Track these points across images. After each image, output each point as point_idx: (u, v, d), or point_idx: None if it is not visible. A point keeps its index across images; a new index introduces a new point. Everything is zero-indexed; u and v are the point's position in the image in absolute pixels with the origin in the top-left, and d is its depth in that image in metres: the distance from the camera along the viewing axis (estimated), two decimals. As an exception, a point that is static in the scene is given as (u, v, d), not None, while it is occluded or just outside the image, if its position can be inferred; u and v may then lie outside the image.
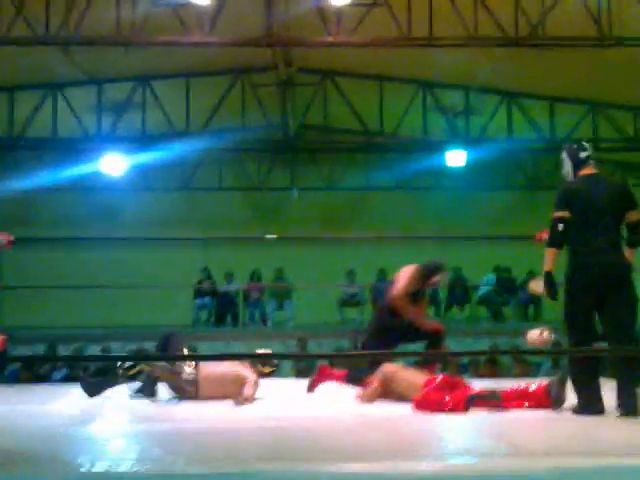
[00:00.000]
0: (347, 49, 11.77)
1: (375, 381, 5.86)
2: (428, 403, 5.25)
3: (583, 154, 5.55)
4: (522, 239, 8.48)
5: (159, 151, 15.42)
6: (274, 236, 11.03)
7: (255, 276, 16.32)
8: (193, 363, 5.88)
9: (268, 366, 6.27)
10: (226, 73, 14.53)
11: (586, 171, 5.52)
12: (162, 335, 6.11)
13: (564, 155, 5.67)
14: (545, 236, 6.18)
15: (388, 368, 5.90)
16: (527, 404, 5.26)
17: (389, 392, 5.83)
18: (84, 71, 13.52)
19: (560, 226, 5.29)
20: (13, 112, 14.55)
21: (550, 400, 5.16)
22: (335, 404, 5.85)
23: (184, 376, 5.77)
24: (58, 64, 12.79)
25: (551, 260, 5.28)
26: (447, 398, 5.22)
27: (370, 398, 5.79)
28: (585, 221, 5.28)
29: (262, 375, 6.14)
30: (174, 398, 5.82)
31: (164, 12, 10.41)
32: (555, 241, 5.31)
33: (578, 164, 5.55)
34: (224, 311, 16.16)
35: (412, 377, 5.71)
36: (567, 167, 5.65)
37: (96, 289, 14.01)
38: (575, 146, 5.60)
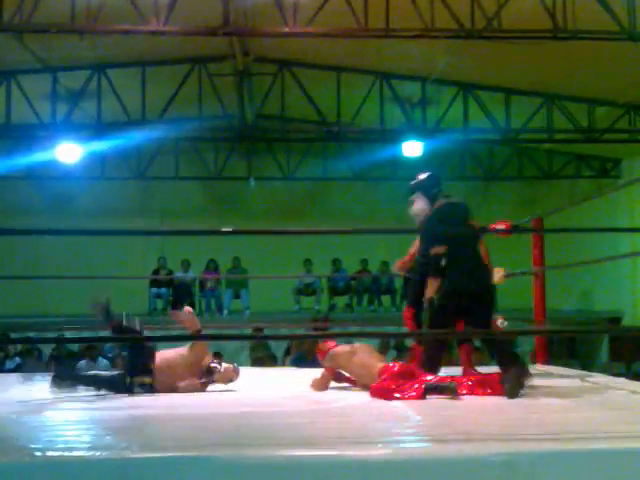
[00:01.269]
0: (304, 39, 11.79)
1: (326, 369, 5.89)
2: (384, 391, 5.29)
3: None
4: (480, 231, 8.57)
5: (115, 140, 15.33)
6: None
7: (211, 265, 16.33)
8: None
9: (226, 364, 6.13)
10: (183, 62, 14.46)
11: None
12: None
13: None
14: (498, 226, 6.28)
15: (340, 353, 5.89)
16: (482, 393, 5.30)
17: (346, 373, 5.86)
18: (38, 59, 13.37)
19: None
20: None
21: (504, 390, 5.21)
22: (291, 391, 5.88)
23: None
24: (12, 51, 12.64)
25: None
26: (403, 387, 5.25)
27: (320, 386, 5.81)
28: None
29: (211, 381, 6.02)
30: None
31: (120, 0, 10.34)
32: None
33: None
34: (180, 300, 16.14)
35: (367, 362, 5.71)
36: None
37: (50, 278, 13.88)
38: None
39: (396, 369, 5.48)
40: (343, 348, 5.94)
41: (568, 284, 16.39)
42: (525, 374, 5.36)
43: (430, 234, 5.81)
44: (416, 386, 5.19)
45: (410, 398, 5.12)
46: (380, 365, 5.61)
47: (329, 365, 5.88)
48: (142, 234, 5.00)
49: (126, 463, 3.25)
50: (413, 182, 6.37)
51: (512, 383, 5.19)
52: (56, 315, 15.29)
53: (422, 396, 5.13)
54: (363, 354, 5.80)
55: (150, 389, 5.65)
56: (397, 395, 5.18)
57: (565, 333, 13.50)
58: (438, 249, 5.66)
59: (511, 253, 11.50)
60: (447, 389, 5.11)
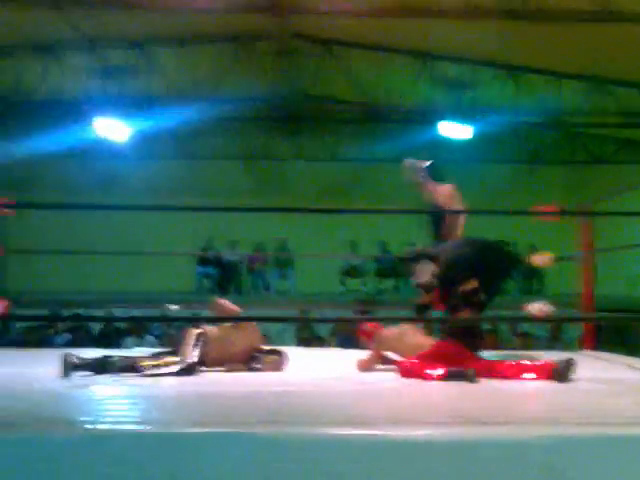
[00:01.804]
0: (350, 19, 11.75)
1: (373, 350, 5.90)
2: (411, 371, 5.33)
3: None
4: (523, 213, 8.55)
5: (160, 118, 15.40)
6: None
7: (259, 245, 16.41)
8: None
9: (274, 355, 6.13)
10: (230, 41, 14.49)
11: None
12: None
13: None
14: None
15: (390, 335, 5.90)
16: (529, 377, 5.27)
17: (394, 356, 5.87)
18: (85, 34, 13.46)
19: None
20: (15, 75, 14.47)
21: (554, 378, 5.18)
22: (335, 372, 5.91)
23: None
24: (60, 27, 12.74)
25: None
26: (430, 368, 5.27)
27: (366, 368, 5.83)
28: None
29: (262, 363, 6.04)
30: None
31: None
32: None
33: None
34: (227, 279, 16.26)
35: (419, 342, 5.69)
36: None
37: (99, 255, 14.07)
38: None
39: (445, 348, 5.48)
40: (391, 330, 5.95)
41: (615, 270, 16.20)
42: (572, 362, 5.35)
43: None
44: (441, 371, 5.20)
45: (432, 379, 5.16)
46: (431, 343, 5.60)
47: (378, 346, 5.89)
48: (190, 210, 5.09)
49: (172, 437, 3.31)
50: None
51: (564, 368, 5.17)
52: (105, 292, 15.50)
53: (444, 379, 5.14)
54: (412, 335, 5.81)
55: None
56: (422, 374, 5.22)
57: (607, 321, 13.36)
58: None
59: (555, 240, 11.42)
60: (467, 377, 5.11)
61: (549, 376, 5.18)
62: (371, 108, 15.96)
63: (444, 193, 6.71)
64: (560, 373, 5.15)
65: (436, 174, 6.73)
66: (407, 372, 5.39)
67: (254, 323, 6.20)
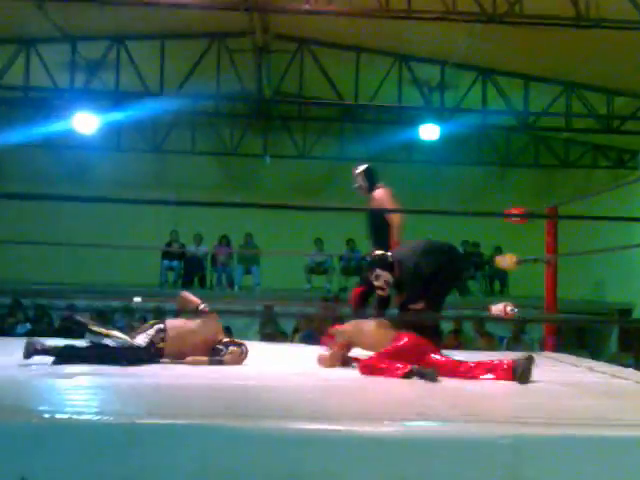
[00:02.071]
0: (325, 18, 11.76)
1: (336, 345, 5.91)
2: (371, 368, 5.36)
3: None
4: (492, 216, 8.62)
5: (132, 112, 15.32)
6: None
7: (224, 240, 16.37)
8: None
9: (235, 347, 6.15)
10: (202, 37, 14.44)
11: None
12: None
13: None
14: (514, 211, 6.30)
15: (349, 327, 5.91)
16: (489, 377, 5.31)
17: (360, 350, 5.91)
18: (59, 28, 13.37)
19: None
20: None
21: (514, 377, 5.22)
22: (298, 367, 5.92)
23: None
24: (33, 20, 12.65)
25: None
26: (390, 366, 5.29)
27: (328, 363, 5.83)
28: None
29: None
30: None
31: (142, -29, 10.33)
32: None
33: None
34: (192, 273, 16.21)
35: (380, 331, 5.71)
36: None
37: (64, 246, 13.95)
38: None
39: (405, 341, 5.49)
40: (351, 324, 5.97)
41: (581, 274, 16.35)
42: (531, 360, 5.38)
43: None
44: (402, 369, 5.22)
45: (392, 377, 5.17)
46: (392, 333, 5.61)
47: (340, 341, 5.90)
48: (156, 204, 5.01)
49: (133, 428, 3.30)
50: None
51: (524, 369, 5.21)
52: (69, 283, 15.39)
53: (404, 377, 5.17)
54: (373, 325, 5.82)
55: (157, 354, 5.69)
56: (382, 371, 5.24)
57: (571, 322, 13.48)
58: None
59: (523, 241, 11.51)
60: (428, 375, 5.13)
61: (509, 376, 5.22)
62: (344, 107, 15.97)
63: (379, 196, 6.87)
64: (520, 373, 5.20)
65: (371, 178, 6.90)
66: (367, 369, 5.41)
67: (215, 315, 6.21)
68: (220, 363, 5.80)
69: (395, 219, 6.81)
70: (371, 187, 6.95)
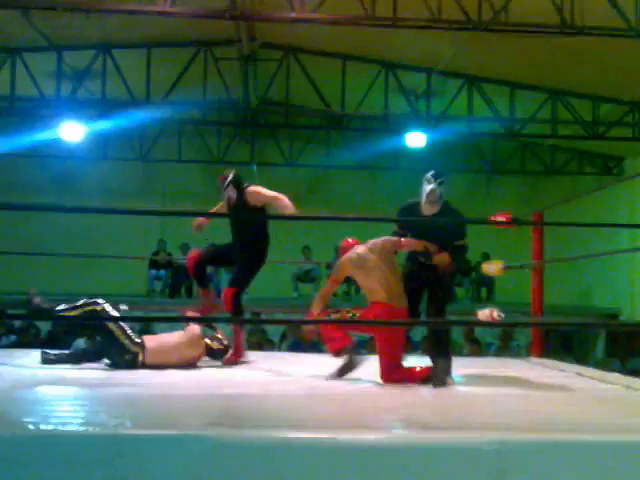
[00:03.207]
0: (311, 26, 11.76)
1: (329, 280, 5.94)
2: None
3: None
4: (478, 222, 8.64)
5: (118, 120, 15.28)
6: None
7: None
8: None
9: (217, 342, 6.36)
10: (188, 45, 14.42)
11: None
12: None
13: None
14: (498, 218, 6.31)
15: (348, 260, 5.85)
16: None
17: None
18: (44, 36, 13.33)
19: None
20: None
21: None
22: (285, 375, 5.91)
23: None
24: (18, 28, 12.61)
25: None
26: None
27: (318, 303, 5.78)
28: None
29: (210, 351, 6.26)
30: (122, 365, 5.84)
31: (128, -20, 10.31)
32: None
33: None
34: (178, 283, 16.17)
35: (380, 279, 5.67)
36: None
37: (50, 255, 13.90)
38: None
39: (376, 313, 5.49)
40: (355, 254, 5.83)
41: (567, 280, 16.42)
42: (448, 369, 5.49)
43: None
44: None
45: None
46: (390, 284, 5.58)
47: (335, 276, 5.86)
48: (142, 214, 5.00)
49: (118, 439, 3.29)
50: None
51: (438, 378, 5.29)
52: (55, 294, 15.30)
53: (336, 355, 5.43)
54: (376, 268, 5.70)
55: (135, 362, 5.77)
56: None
57: (557, 326, 13.54)
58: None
59: (512, 247, 11.54)
60: (354, 358, 5.41)
61: (424, 380, 5.32)
62: (330, 115, 15.98)
63: (254, 189, 6.89)
64: (435, 378, 5.30)
65: (238, 182, 6.91)
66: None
67: (198, 332, 6.26)
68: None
69: (285, 201, 6.84)
70: (240, 192, 6.94)
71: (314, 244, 16.40)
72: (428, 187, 5.77)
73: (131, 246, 16.42)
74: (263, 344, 11.90)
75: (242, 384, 5.31)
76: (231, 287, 6.87)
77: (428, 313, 5.72)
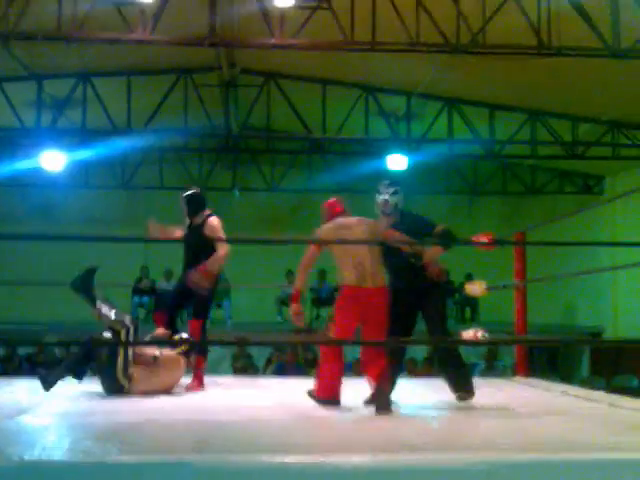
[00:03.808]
0: (290, 52, 11.81)
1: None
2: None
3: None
4: (461, 243, 8.66)
5: (99, 148, 15.27)
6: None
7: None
8: None
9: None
10: (169, 72, 14.45)
11: None
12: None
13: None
14: (481, 239, 6.33)
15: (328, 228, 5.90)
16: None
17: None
18: (24, 66, 13.32)
19: None
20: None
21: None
22: (270, 400, 5.89)
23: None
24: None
25: None
26: None
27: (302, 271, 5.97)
28: None
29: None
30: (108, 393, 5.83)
31: (106, 9, 10.32)
32: None
33: None
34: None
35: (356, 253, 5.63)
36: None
37: (32, 285, 13.83)
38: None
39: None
40: (340, 222, 5.85)
41: (550, 299, 16.46)
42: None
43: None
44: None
45: None
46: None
47: (315, 242, 5.93)
48: (124, 241, 4.97)
49: (104, 468, 3.26)
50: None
51: (379, 401, 5.13)
52: (36, 322, 15.22)
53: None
54: (356, 244, 5.63)
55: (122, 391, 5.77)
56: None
57: (540, 344, 13.57)
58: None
59: (495, 267, 11.55)
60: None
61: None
62: (311, 139, 16.02)
63: (211, 225, 6.85)
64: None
65: (195, 204, 6.88)
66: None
67: (181, 360, 6.27)
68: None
69: (225, 249, 6.85)
70: (196, 212, 6.92)
71: (297, 268, 16.37)
72: (380, 198, 5.75)
73: (114, 274, 16.34)
74: (248, 369, 11.87)
75: (228, 409, 5.29)
76: (197, 319, 6.86)
77: (430, 333, 5.66)
